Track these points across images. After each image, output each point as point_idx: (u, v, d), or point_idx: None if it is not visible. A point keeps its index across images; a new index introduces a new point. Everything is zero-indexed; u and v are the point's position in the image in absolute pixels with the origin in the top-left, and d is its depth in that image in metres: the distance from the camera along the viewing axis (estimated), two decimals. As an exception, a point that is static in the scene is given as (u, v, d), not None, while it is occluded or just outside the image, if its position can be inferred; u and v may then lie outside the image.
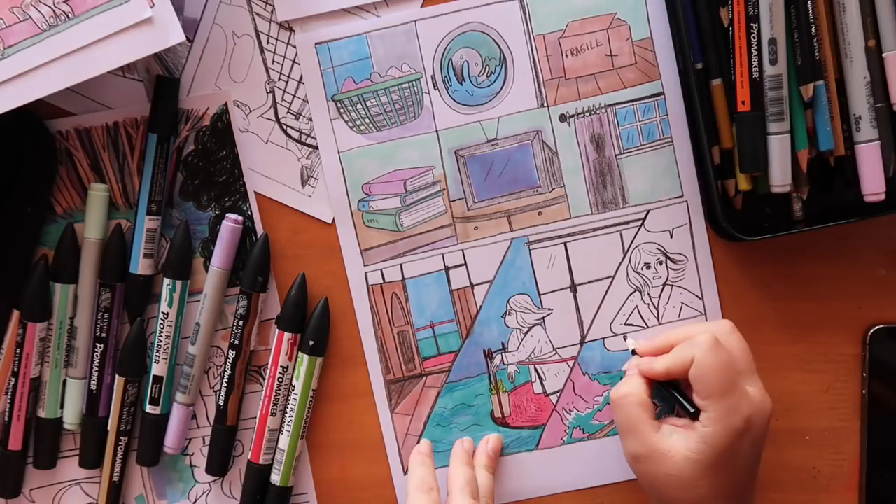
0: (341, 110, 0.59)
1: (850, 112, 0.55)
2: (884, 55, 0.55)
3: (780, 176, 0.54)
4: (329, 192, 0.59)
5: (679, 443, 0.52)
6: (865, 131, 0.55)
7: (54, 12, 0.52)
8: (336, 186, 0.60)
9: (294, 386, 0.59)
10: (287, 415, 0.59)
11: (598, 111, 0.59)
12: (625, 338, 0.60)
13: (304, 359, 0.59)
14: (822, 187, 0.58)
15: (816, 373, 0.60)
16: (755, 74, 0.54)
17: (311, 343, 0.58)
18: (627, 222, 0.60)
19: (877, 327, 0.59)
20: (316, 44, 0.59)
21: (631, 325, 0.60)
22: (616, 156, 0.59)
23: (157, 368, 0.59)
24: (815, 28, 0.54)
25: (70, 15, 0.52)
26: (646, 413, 0.53)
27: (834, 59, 0.55)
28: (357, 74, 0.59)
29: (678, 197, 0.59)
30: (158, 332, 0.59)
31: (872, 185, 0.55)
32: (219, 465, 0.60)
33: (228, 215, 0.59)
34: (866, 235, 0.59)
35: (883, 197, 0.55)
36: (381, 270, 0.60)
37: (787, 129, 0.54)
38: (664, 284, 0.60)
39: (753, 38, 0.54)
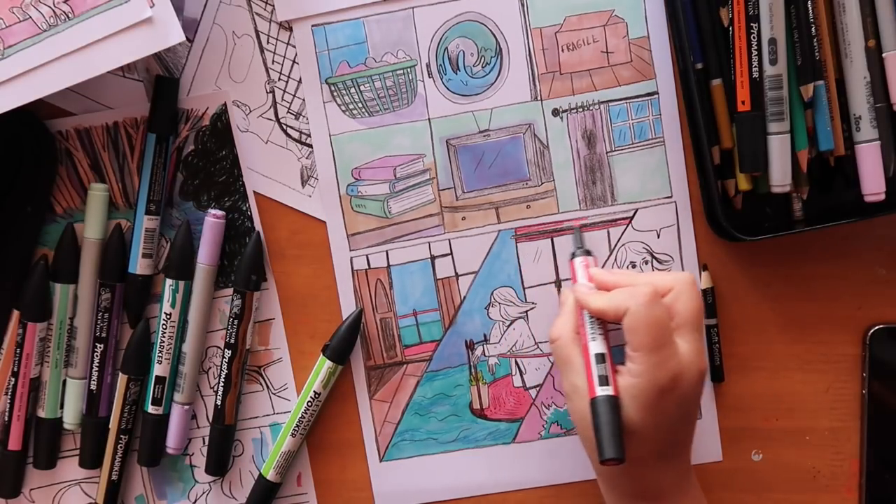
0: (335, 93, 0.59)
1: (850, 112, 0.55)
2: (884, 55, 0.55)
3: (780, 176, 0.54)
4: (318, 175, 0.59)
5: None
6: (865, 131, 0.55)
7: (54, 12, 0.52)
8: (326, 170, 0.59)
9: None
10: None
11: (591, 107, 0.59)
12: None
13: (324, 362, 0.59)
14: (822, 187, 0.58)
15: (816, 373, 0.59)
16: (755, 74, 0.54)
17: (337, 350, 0.58)
18: (615, 220, 0.60)
19: (877, 327, 0.59)
20: (313, 26, 0.59)
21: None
22: (607, 153, 0.59)
23: (160, 369, 0.59)
24: (815, 28, 0.54)
25: (70, 15, 0.52)
26: (577, 349, 0.53)
27: (834, 59, 0.55)
28: (352, 58, 0.59)
29: (667, 197, 0.59)
30: (161, 332, 0.59)
31: (872, 185, 0.55)
32: (218, 465, 0.60)
33: (210, 210, 0.59)
34: (866, 235, 0.59)
35: (883, 197, 0.55)
36: (367, 256, 0.60)
37: (787, 129, 0.54)
38: (648, 284, 0.60)
39: (753, 38, 0.54)
